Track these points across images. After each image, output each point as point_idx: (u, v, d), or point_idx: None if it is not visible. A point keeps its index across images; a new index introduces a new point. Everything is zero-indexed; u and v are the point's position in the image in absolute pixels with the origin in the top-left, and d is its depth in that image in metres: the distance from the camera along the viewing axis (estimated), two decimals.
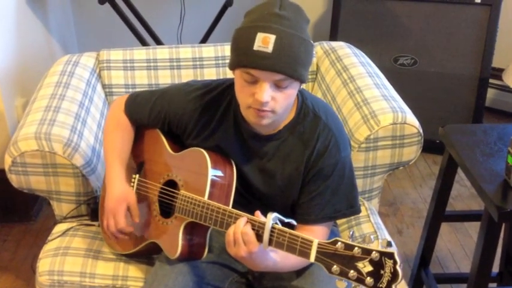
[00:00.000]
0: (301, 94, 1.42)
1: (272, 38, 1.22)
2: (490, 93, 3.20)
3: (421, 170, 2.93)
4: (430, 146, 2.70)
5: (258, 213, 1.25)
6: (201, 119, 1.45)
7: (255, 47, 1.22)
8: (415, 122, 1.74)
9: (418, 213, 2.61)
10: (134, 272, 1.57)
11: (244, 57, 1.25)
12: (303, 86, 2.10)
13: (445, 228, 2.45)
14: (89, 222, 1.73)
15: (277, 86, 1.26)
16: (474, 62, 2.88)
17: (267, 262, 1.28)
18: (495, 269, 2.00)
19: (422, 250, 1.95)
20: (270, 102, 1.27)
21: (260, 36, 1.22)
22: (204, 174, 1.38)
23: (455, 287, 2.17)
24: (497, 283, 2.01)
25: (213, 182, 1.38)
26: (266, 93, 1.25)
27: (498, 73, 2.86)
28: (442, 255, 2.35)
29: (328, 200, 1.38)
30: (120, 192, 1.48)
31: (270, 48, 1.22)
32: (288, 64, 1.24)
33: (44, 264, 1.58)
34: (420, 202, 2.69)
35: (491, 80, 2.99)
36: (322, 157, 1.37)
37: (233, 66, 1.30)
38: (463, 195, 2.72)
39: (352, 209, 1.42)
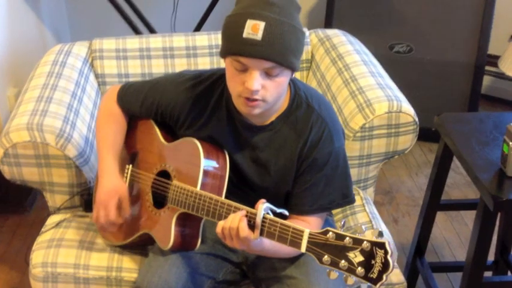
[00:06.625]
0: (294, 84, 1.41)
1: (261, 25, 1.21)
2: (486, 80, 3.19)
3: (417, 158, 2.93)
4: (426, 134, 2.69)
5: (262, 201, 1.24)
6: (193, 110, 1.44)
7: (245, 34, 1.21)
8: (411, 111, 1.72)
9: (414, 202, 2.60)
10: (128, 263, 1.56)
11: (233, 44, 1.24)
12: (298, 74, 2.13)
13: (440, 216, 2.44)
14: (82, 213, 1.72)
15: (268, 74, 1.25)
16: (470, 49, 2.86)
17: (262, 246, 1.27)
18: (491, 257, 2.01)
19: (417, 239, 1.94)
20: (261, 91, 1.26)
21: (249, 23, 1.21)
22: (197, 165, 1.37)
23: (451, 276, 2.17)
24: (492, 271, 2.01)
25: (205, 172, 1.37)
26: (256, 81, 1.24)
27: (494, 60, 2.84)
28: (437, 244, 2.35)
29: (322, 191, 1.37)
30: (111, 186, 1.47)
31: (259, 35, 1.20)
32: (278, 51, 1.22)
33: (38, 256, 1.57)
34: (416, 190, 2.68)
35: (487, 67, 2.97)
36: (316, 148, 1.36)
37: (223, 54, 1.29)
38: (459, 183, 2.72)
39: (346, 199, 1.41)
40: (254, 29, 1.21)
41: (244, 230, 1.22)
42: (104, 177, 1.48)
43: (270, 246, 1.27)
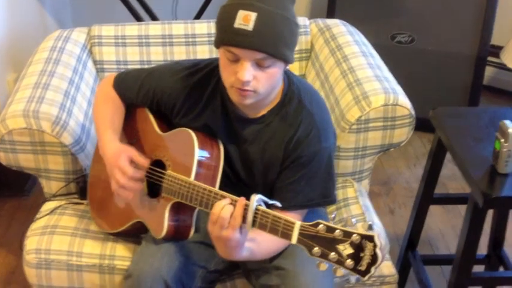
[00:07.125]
0: (288, 79, 1.41)
1: (253, 15, 1.21)
2: (489, 71, 3.17)
3: (416, 149, 2.92)
4: (426, 125, 2.66)
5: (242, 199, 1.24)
6: (189, 99, 1.45)
7: (236, 25, 1.22)
8: (407, 104, 1.72)
9: (411, 193, 2.59)
10: (121, 251, 1.58)
11: (225, 34, 1.24)
12: (297, 63, 2.12)
13: (437, 208, 2.45)
14: (77, 200, 1.73)
15: (259, 65, 1.25)
16: (472, 39, 2.84)
17: (240, 254, 1.28)
18: (484, 251, 2.01)
19: (410, 232, 1.95)
20: (252, 82, 1.26)
21: (241, 13, 1.21)
22: (191, 155, 1.38)
23: (445, 268, 2.18)
24: (485, 265, 2.01)
25: (199, 163, 1.38)
26: (247, 72, 1.24)
27: (497, 51, 2.82)
28: (432, 236, 2.35)
29: (302, 189, 1.38)
30: (116, 149, 1.42)
31: (250, 26, 1.21)
32: (269, 42, 1.22)
33: (31, 242, 1.59)
34: (413, 181, 2.68)
35: (490, 58, 2.95)
36: (302, 144, 1.36)
37: (217, 44, 1.30)
38: (457, 175, 2.70)
39: (326, 199, 1.42)
40: (245, 20, 1.21)
41: (225, 218, 1.21)
42: (106, 149, 1.45)
43: (247, 255, 1.29)
